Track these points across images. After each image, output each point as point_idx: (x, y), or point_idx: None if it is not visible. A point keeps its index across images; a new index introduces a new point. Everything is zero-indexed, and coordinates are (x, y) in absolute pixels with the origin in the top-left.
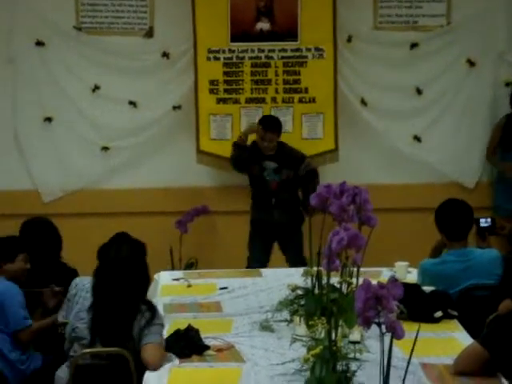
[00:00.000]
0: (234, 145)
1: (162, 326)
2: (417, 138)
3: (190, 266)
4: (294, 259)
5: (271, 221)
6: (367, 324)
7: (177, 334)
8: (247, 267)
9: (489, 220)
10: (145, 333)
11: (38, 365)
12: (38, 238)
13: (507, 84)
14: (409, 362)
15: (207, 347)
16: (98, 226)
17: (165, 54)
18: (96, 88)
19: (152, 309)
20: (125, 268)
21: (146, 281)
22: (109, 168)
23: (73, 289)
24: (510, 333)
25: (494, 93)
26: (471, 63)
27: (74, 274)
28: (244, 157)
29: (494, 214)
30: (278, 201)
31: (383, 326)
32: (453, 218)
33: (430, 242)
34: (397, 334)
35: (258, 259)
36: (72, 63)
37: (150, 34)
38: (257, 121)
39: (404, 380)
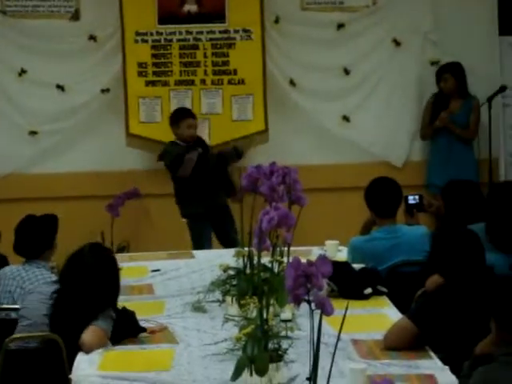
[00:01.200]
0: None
1: (113, 319)
2: (345, 118)
3: (121, 249)
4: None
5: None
6: (297, 302)
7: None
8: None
9: (416, 197)
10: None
11: None
12: None
13: (432, 63)
14: (338, 338)
15: (143, 329)
16: (28, 212)
17: (92, 37)
18: (23, 72)
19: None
20: (99, 276)
21: (116, 290)
22: (38, 152)
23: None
24: (437, 307)
25: (420, 72)
26: (397, 43)
27: (3, 260)
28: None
29: (427, 191)
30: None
31: (313, 304)
32: (381, 196)
33: (359, 221)
34: (326, 311)
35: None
36: None
37: (76, 16)
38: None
39: (333, 356)
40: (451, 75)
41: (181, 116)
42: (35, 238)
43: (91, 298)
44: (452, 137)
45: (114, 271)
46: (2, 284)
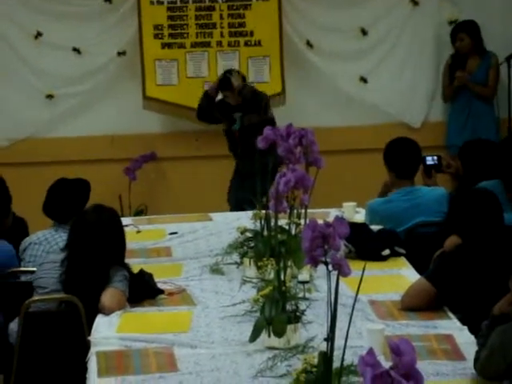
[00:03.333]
0: (204, 94)
1: (128, 280)
2: (363, 79)
3: (139, 212)
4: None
5: (241, 170)
6: (314, 263)
7: (131, 278)
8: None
9: (435, 158)
10: (110, 277)
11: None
12: None
13: (451, 22)
14: (355, 299)
15: (161, 291)
16: (46, 175)
17: None
18: (38, 35)
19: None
20: (104, 232)
21: (122, 247)
22: (54, 116)
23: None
24: (455, 268)
25: (438, 32)
26: (415, 2)
27: (21, 223)
28: (207, 108)
29: (447, 152)
30: (242, 150)
31: (330, 265)
32: (401, 156)
33: (377, 182)
34: (343, 272)
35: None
36: (13, 11)
37: None
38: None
39: (351, 317)
40: (466, 34)
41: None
42: (69, 201)
43: (99, 256)
44: (472, 96)
45: (118, 228)
46: (29, 249)
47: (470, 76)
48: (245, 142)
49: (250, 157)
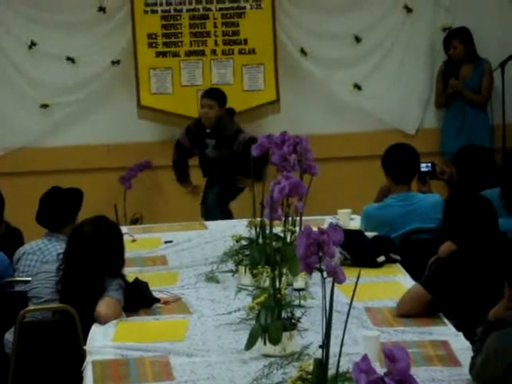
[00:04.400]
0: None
1: (123, 289)
2: (357, 86)
3: (134, 221)
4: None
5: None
6: (309, 270)
7: (126, 287)
8: None
9: (429, 165)
10: (106, 286)
11: None
12: None
13: (444, 29)
14: (350, 306)
15: (157, 300)
16: (41, 185)
17: (101, 9)
18: (33, 44)
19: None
20: (100, 245)
21: (120, 260)
22: (49, 125)
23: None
24: (450, 274)
25: (432, 39)
26: (408, 9)
27: (17, 233)
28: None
29: (441, 159)
30: (220, 178)
31: (325, 272)
32: (398, 161)
33: (371, 189)
34: (338, 279)
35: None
36: (6, 20)
37: None
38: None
39: (346, 323)
40: (459, 41)
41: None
42: (61, 210)
43: (95, 268)
44: (465, 103)
45: (116, 239)
46: (23, 259)
47: (464, 83)
48: (222, 169)
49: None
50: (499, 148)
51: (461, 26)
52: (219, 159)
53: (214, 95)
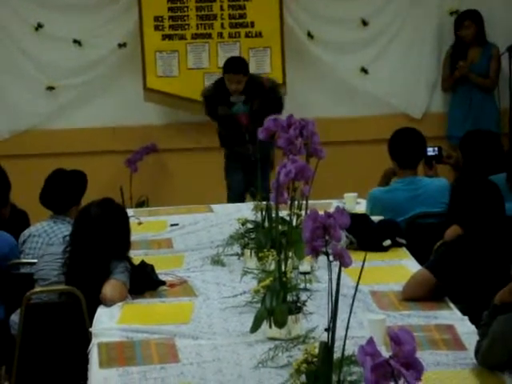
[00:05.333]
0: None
1: (129, 272)
2: (364, 70)
3: (140, 204)
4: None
5: (247, 155)
6: (315, 253)
7: (132, 269)
8: (228, 201)
9: (436, 149)
10: (112, 269)
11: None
12: None
13: (451, 13)
14: (356, 289)
15: (163, 283)
16: (47, 167)
17: None
18: (39, 27)
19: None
20: (107, 228)
21: (126, 243)
22: (55, 108)
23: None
24: (456, 258)
25: (439, 22)
26: None
27: (23, 215)
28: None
29: (448, 143)
30: (251, 135)
31: (331, 255)
32: (405, 146)
33: (378, 174)
34: (344, 262)
35: (237, 191)
36: (13, 2)
37: None
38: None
39: (352, 307)
40: (471, 22)
41: (225, 67)
42: (66, 192)
43: (101, 250)
44: (473, 87)
45: (123, 222)
46: (29, 241)
47: (471, 66)
48: (254, 128)
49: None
50: (506, 133)
51: (468, 9)
52: (250, 115)
53: (240, 69)
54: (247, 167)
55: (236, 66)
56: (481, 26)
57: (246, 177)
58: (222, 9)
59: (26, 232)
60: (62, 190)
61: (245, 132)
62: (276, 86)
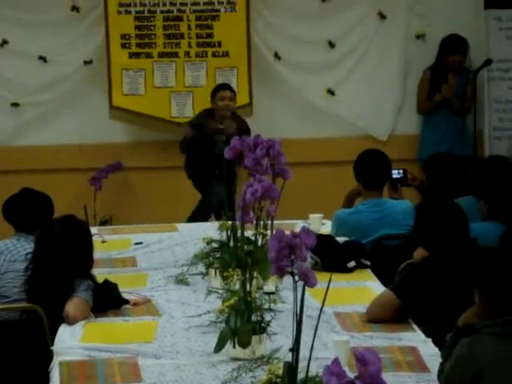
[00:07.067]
0: (192, 126)
1: (92, 290)
2: (330, 92)
3: (104, 222)
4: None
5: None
6: (280, 273)
7: (95, 288)
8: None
9: (401, 171)
10: (75, 287)
11: None
12: None
13: (418, 36)
14: (321, 311)
15: (126, 301)
16: (10, 184)
17: (74, 8)
18: (4, 43)
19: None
20: (69, 244)
21: (88, 260)
22: (20, 124)
23: None
24: (420, 280)
25: (405, 45)
26: (382, 16)
27: None
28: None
29: (417, 165)
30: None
31: (296, 275)
32: (370, 167)
33: (343, 195)
34: (309, 282)
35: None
36: None
37: None
38: None
39: (316, 328)
40: (461, 50)
41: (215, 90)
42: (31, 211)
43: (64, 267)
44: (449, 111)
45: (86, 239)
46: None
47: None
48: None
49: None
50: (480, 155)
51: (434, 33)
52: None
53: (231, 88)
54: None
55: (225, 84)
56: (466, 53)
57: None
58: (189, 28)
59: None
60: (30, 210)
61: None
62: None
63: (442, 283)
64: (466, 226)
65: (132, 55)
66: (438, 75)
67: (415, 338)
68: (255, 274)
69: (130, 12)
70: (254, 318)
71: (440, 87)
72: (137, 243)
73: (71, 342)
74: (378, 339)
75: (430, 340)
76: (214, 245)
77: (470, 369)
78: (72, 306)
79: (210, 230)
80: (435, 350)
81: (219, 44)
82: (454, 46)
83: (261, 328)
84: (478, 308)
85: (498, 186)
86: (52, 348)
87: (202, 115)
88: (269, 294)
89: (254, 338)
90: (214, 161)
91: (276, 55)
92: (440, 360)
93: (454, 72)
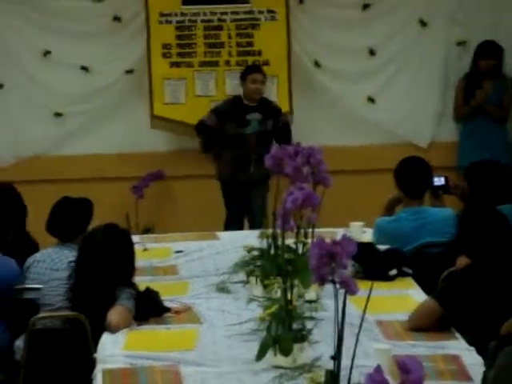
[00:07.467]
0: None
1: (135, 298)
2: (371, 99)
3: (146, 231)
4: (255, 220)
5: (246, 178)
6: (321, 281)
7: (138, 296)
8: (225, 229)
9: (442, 179)
10: (117, 295)
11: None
12: (2, 204)
13: (459, 43)
14: (362, 319)
15: (168, 309)
16: (53, 193)
17: (116, 18)
18: (47, 53)
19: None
20: (112, 253)
21: (130, 268)
22: (63, 134)
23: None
24: (463, 288)
25: (446, 52)
26: (423, 23)
27: (34, 245)
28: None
29: (458, 173)
30: (257, 155)
31: (337, 283)
32: (411, 175)
33: (384, 203)
34: (350, 290)
35: (235, 221)
36: (22, 28)
37: None
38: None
39: (358, 336)
40: (493, 54)
41: (247, 71)
42: (72, 220)
43: (107, 276)
44: (485, 118)
45: (128, 247)
46: (33, 266)
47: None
48: (259, 149)
49: (261, 162)
50: None
51: (475, 40)
52: (261, 135)
53: (261, 69)
54: (244, 189)
55: (257, 66)
56: (500, 59)
57: (243, 200)
58: (229, 37)
59: (31, 258)
60: (69, 219)
61: (251, 152)
62: (288, 122)
63: (484, 291)
64: (510, 233)
65: (173, 64)
66: (472, 81)
67: (458, 347)
68: (296, 282)
69: (170, 22)
70: (295, 326)
71: (475, 93)
72: (178, 251)
73: (114, 349)
74: (421, 348)
75: (473, 349)
76: (255, 253)
77: None
78: (114, 314)
79: (251, 237)
80: (478, 359)
81: (259, 53)
82: (484, 50)
83: (302, 336)
84: None
85: None
86: (95, 356)
87: (228, 101)
88: (310, 302)
89: (296, 346)
90: (240, 142)
91: (316, 63)
92: (483, 369)
93: (490, 78)
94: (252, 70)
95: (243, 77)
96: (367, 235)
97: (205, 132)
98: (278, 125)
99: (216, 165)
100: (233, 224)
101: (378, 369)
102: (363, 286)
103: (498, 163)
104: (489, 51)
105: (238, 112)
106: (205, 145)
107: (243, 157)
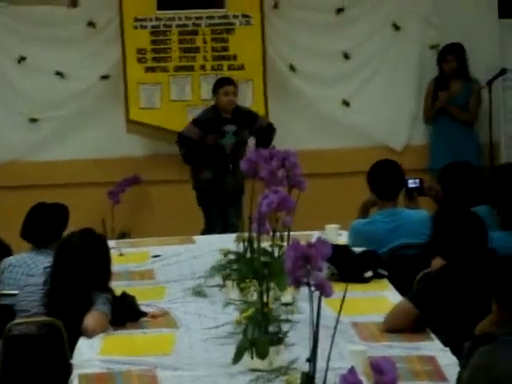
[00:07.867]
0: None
1: (111, 303)
2: (345, 103)
3: (122, 236)
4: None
5: (224, 186)
6: (297, 284)
7: (114, 301)
8: (205, 233)
9: (417, 181)
10: (93, 300)
11: None
12: None
13: (432, 47)
14: (337, 321)
15: (144, 314)
16: (29, 199)
17: (91, 24)
18: (22, 59)
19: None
20: (88, 258)
21: (106, 273)
22: (38, 139)
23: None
24: (438, 289)
25: (420, 56)
26: (397, 27)
27: (6, 250)
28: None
29: (429, 175)
30: (233, 165)
31: (312, 286)
32: (384, 178)
33: (359, 205)
34: (325, 292)
35: (217, 223)
36: None
37: (74, 3)
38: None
39: (333, 338)
40: (454, 56)
41: (218, 84)
42: (47, 226)
43: (83, 281)
44: (452, 120)
45: (104, 252)
46: (7, 271)
47: (452, 99)
48: (236, 158)
49: (238, 173)
50: (486, 167)
51: (449, 43)
52: (238, 145)
53: (232, 81)
54: (222, 197)
55: (227, 79)
56: (463, 60)
57: (221, 208)
58: (204, 41)
59: (6, 262)
60: (44, 224)
61: (228, 162)
62: (270, 124)
63: (459, 292)
64: (484, 234)
65: (148, 69)
66: (440, 83)
67: (433, 348)
68: (272, 285)
69: (145, 27)
70: (271, 329)
71: (438, 95)
72: (154, 256)
73: (90, 354)
74: (396, 349)
75: (448, 349)
76: (231, 256)
77: (488, 377)
78: (91, 319)
79: (227, 241)
80: (453, 360)
81: (234, 57)
82: (445, 52)
83: (278, 339)
84: (496, 316)
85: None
86: (71, 361)
87: (207, 112)
88: (286, 304)
89: (272, 349)
90: (219, 152)
91: (291, 67)
92: (458, 369)
93: (459, 80)
94: (223, 83)
95: (215, 90)
96: (343, 238)
97: (187, 144)
98: (254, 132)
99: (193, 174)
100: (212, 232)
101: (352, 370)
102: (338, 288)
103: (470, 165)
104: (450, 53)
105: (215, 123)
106: (187, 156)
107: (221, 167)
